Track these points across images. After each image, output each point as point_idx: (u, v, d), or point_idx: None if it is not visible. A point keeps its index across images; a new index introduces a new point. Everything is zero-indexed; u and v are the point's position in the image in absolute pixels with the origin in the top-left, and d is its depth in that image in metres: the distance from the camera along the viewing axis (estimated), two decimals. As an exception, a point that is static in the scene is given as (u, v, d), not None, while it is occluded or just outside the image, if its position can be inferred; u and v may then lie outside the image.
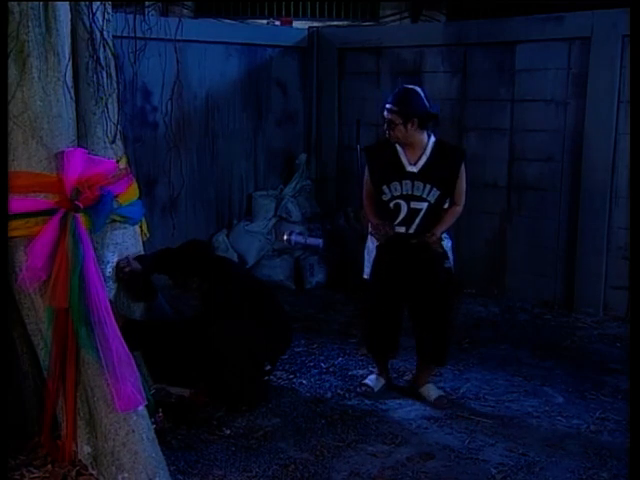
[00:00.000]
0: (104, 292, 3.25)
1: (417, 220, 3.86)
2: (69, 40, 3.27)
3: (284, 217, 6.68)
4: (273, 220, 6.68)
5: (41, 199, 3.18)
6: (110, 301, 3.35)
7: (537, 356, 4.81)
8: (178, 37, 4.26)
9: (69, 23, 3.27)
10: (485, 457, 3.52)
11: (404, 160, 3.88)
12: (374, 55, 6.61)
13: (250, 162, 6.78)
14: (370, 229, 4.03)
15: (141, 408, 3.22)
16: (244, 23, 9.54)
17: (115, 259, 3.68)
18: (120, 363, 3.15)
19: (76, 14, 3.34)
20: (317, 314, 5.69)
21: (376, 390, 4.18)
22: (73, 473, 3.21)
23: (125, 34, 3.71)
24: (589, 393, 4.25)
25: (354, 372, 4.52)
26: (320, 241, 6.34)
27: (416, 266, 3.91)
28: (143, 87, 5.67)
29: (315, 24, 8.39)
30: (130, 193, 3.64)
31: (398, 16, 10.51)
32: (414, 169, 3.86)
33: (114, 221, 3.60)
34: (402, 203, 3.87)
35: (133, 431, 3.15)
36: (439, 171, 3.86)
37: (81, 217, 3.21)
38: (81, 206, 3.21)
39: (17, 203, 3.12)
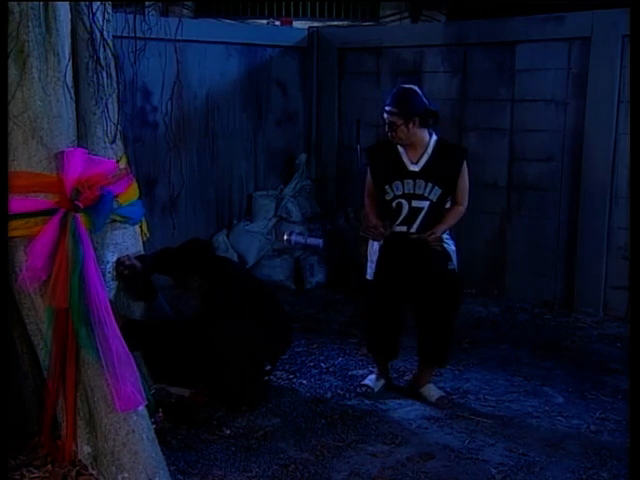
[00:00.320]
0: (104, 292, 3.25)
1: (419, 219, 3.86)
2: (69, 40, 3.27)
3: (284, 217, 6.68)
4: (273, 220, 6.68)
5: (41, 199, 3.18)
6: (110, 301, 3.35)
7: (537, 356, 4.81)
8: (178, 37, 4.26)
9: (69, 23, 3.27)
10: (485, 457, 3.52)
11: (405, 159, 3.88)
12: (374, 55, 6.61)
13: (250, 162, 6.78)
14: (362, 228, 4.01)
15: (141, 408, 3.22)
16: (244, 23, 9.54)
17: (115, 259, 3.68)
18: (120, 363, 3.15)
19: (76, 14, 3.34)
20: (317, 314, 5.69)
21: (376, 390, 4.18)
22: (73, 473, 3.21)
23: (125, 34, 3.71)
24: (589, 393, 4.25)
25: (354, 372, 4.52)
26: (320, 241, 6.34)
27: (418, 266, 3.91)
28: (143, 87, 5.66)
29: (315, 24, 8.39)
30: (130, 193, 3.64)
31: (398, 16, 10.51)
32: (416, 168, 3.86)
33: (114, 221, 3.60)
34: (404, 202, 3.86)
35: (133, 431, 3.15)
36: (441, 170, 3.86)
37: (81, 217, 3.21)
38: (81, 206, 3.21)
39: (17, 203, 3.12)
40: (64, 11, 3.22)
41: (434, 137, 3.91)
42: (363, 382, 4.24)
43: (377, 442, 3.66)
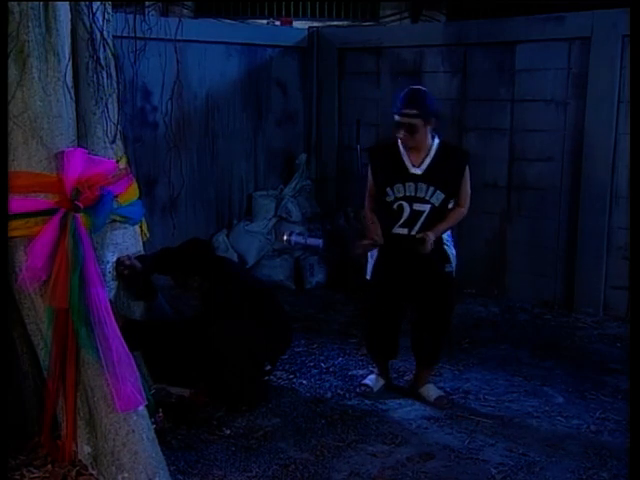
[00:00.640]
0: (104, 292, 3.25)
1: (420, 222, 3.84)
2: (69, 40, 3.27)
3: (284, 217, 6.68)
4: (273, 220, 6.68)
5: (41, 199, 3.18)
6: (110, 301, 3.35)
7: (537, 356, 4.81)
8: (178, 37, 4.26)
9: (69, 23, 3.27)
10: (485, 457, 3.52)
11: (407, 162, 3.85)
12: (374, 55, 6.61)
13: (250, 162, 6.78)
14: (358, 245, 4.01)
15: (141, 408, 3.22)
16: (244, 23, 9.54)
17: (115, 259, 3.68)
18: (120, 363, 3.15)
19: (76, 14, 3.34)
20: (317, 314, 5.69)
21: (375, 390, 4.18)
22: (73, 473, 3.21)
23: (125, 34, 3.71)
24: (589, 393, 4.25)
25: (354, 372, 4.52)
26: (320, 241, 6.33)
27: (416, 268, 3.90)
28: (143, 87, 5.66)
29: (315, 24, 8.38)
30: (130, 193, 3.64)
31: (398, 16, 10.51)
32: (418, 171, 3.83)
33: (114, 221, 3.60)
34: (405, 205, 3.84)
35: (133, 431, 3.15)
36: (443, 173, 3.83)
37: (81, 217, 3.21)
38: (81, 206, 3.21)
39: (17, 203, 3.12)
40: (64, 11, 3.22)
41: (436, 140, 3.89)
42: (363, 382, 4.24)
43: (377, 442, 3.66)
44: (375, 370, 4.31)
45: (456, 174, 3.87)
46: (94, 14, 3.36)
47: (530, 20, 5.79)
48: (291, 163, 7.01)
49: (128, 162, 3.69)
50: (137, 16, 3.78)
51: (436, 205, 3.83)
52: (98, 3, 3.40)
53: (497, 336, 5.21)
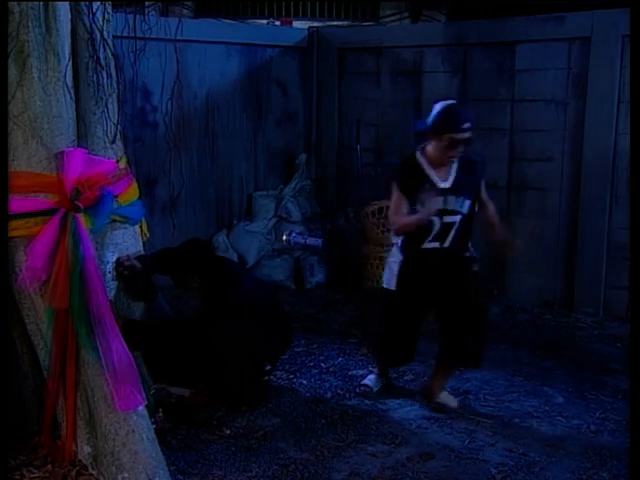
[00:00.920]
0: (104, 292, 3.25)
1: (451, 234, 3.80)
2: (69, 40, 3.27)
3: (284, 217, 6.68)
4: (273, 220, 6.68)
5: (41, 199, 3.18)
6: (110, 301, 3.35)
7: (537, 356, 4.81)
8: (178, 37, 4.26)
9: (69, 23, 3.27)
10: (485, 457, 3.52)
11: (434, 178, 3.79)
12: (374, 55, 6.61)
13: (250, 162, 6.78)
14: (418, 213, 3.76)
15: (141, 408, 3.22)
16: (244, 23, 9.53)
17: (115, 259, 3.68)
18: (120, 363, 3.15)
19: (76, 14, 3.34)
20: (317, 314, 5.69)
21: (375, 390, 4.18)
22: (73, 473, 3.21)
23: (125, 34, 3.72)
24: (589, 393, 4.25)
25: (354, 372, 4.52)
26: (319, 241, 6.34)
27: (450, 274, 3.86)
28: (143, 87, 5.66)
29: (315, 24, 8.38)
30: (130, 193, 3.64)
31: (398, 16, 10.50)
32: (446, 184, 3.79)
33: (114, 221, 3.60)
34: (435, 219, 3.76)
35: (133, 431, 3.15)
36: (467, 181, 3.80)
37: (81, 217, 3.21)
38: (81, 206, 3.21)
39: (17, 203, 3.12)
40: (64, 11, 3.22)
41: None
42: (362, 382, 4.24)
43: (377, 442, 3.66)
44: (375, 370, 4.30)
45: (478, 180, 3.86)
46: (94, 14, 3.36)
47: (530, 20, 5.79)
48: (291, 163, 7.01)
49: (128, 162, 3.69)
50: (137, 16, 3.78)
51: (465, 213, 3.80)
52: (98, 3, 3.40)
53: (497, 336, 5.19)
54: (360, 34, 7.05)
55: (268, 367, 4.18)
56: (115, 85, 3.54)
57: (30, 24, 3.08)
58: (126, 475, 3.11)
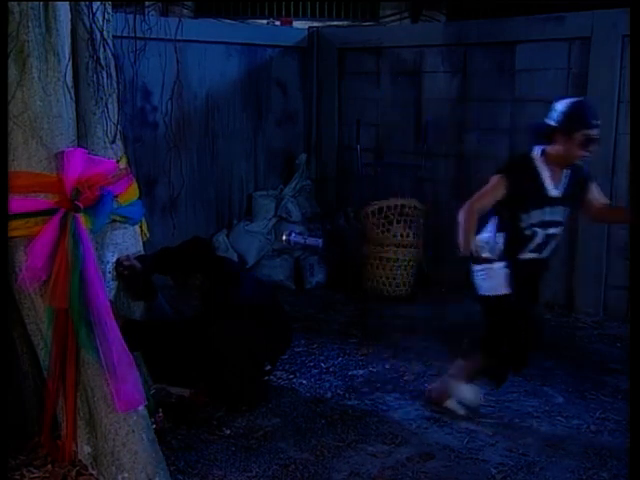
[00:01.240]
0: (104, 292, 3.25)
1: (551, 244, 3.69)
2: (69, 40, 3.27)
3: (284, 217, 6.68)
4: (273, 220, 6.68)
5: (41, 199, 3.18)
6: (110, 301, 3.35)
7: (537, 356, 4.80)
8: (178, 37, 4.26)
9: (69, 23, 3.27)
10: (485, 457, 3.52)
11: (549, 184, 3.62)
12: (374, 55, 6.61)
13: (250, 162, 6.79)
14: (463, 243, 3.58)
15: (141, 408, 3.22)
16: (244, 23, 9.54)
17: (115, 259, 3.68)
18: (120, 363, 3.15)
19: (76, 14, 3.34)
20: (317, 314, 5.68)
21: (481, 396, 3.97)
22: (73, 473, 3.21)
23: (125, 34, 3.72)
24: (589, 393, 4.24)
25: (354, 372, 4.52)
26: (319, 241, 6.33)
27: (538, 281, 3.90)
28: (143, 87, 5.67)
29: (315, 24, 8.39)
30: (130, 193, 3.64)
31: (398, 16, 10.51)
32: (557, 193, 3.63)
33: (114, 221, 3.59)
34: (539, 231, 3.63)
35: (133, 431, 3.15)
36: (574, 189, 3.67)
37: (81, 217, 3.21)
38: (81, 206, 3.21)
39: (17, 203, 3.12)
40: (64, 11, 3.22)
41: None
42: (459, 401, 3.92)
43: (377, 442, 3.66)
44: (458, 384, 3.95)
45: (582, 189, 3.71)
46: (94, 14, 3.36)
47: (530, 20, 5.79)
48: (291, 163, 7.01)
49: (128, 162, 3.69)
50: (137, 16, 3.78)
51: (564, 222, 3.70)
52: (98, 3, 3.40)
53: (497, 336, 5.19)
54: (360, 34, 7.06)
55: (268, 367, 4.18)
56: (115, 85, 3.54)
57: (30, 24, 3.08)
58: (126, 475, 3.11)
